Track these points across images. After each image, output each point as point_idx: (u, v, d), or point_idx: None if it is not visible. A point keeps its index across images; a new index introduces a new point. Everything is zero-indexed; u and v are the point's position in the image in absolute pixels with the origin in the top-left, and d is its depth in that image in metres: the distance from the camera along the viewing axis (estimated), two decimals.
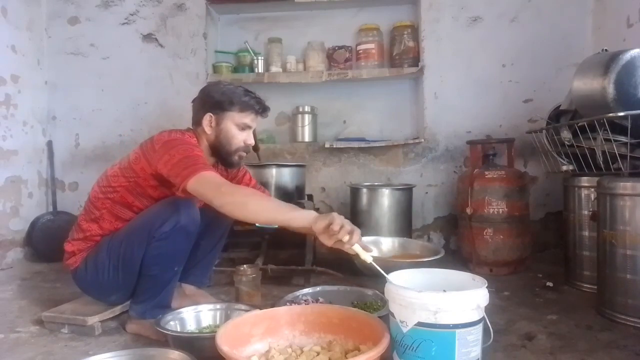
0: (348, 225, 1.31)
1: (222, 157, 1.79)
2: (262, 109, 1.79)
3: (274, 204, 1.51)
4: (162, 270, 1.65)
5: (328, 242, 1.33)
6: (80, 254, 1.73)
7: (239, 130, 1.76)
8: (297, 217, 1.42)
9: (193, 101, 1.83)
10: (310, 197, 2.78)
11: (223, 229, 1.97)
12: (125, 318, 1.75)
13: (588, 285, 2.13)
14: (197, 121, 1.78)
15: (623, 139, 1.88)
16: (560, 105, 2.37)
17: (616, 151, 1.89)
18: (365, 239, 1.87)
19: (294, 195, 2.48)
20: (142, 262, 1.63)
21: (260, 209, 1.46)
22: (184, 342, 1.44)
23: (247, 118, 1.76)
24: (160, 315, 1.61)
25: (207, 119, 1.74)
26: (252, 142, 1.80)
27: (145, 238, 1.60)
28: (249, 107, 1.75)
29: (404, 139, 3.09)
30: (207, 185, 1.49)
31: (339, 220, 1.31)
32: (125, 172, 1.69)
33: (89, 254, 1.71)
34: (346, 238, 1.30)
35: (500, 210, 2.49)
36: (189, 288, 1.93)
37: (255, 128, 1.83)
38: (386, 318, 1.30)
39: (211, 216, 1.76)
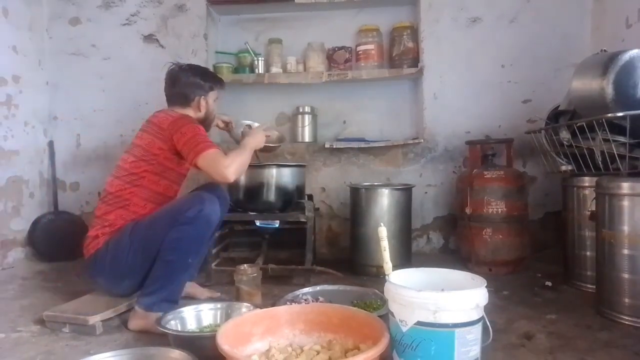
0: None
1: (206, 130, 2.02)
2: (224, 84, 2.21)
3: (242, 154, 1.94)
4: (178, 257, 1.72)
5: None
6: (104, 237, 1.81)
7: (215, 104, 2.13)
8: (248, 148, 2.01)
9: (174, 87, 2.04)
10: (310, 197, 2.79)
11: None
12: (127, 317, 1.76)
13: (587, 285, 2.14)
14: (184, 104, 2.04)
15: (622, 139, 1.89)
16: (559, 106, 2.37)
17: (615, 151, 1.89)
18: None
19: (294, 195, 2.49)
20: (161, 246, 1.71)
21: (244, 161, 1.94)
22: (185, 341, 1.44)
23: (218, 93, 2.14)
24: (168, 310, 1.64)
25: (201, 101, 2.05)
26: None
27: (170, 222, 1.72)
28: (220, 84, 2.15)
29: (403, 139, 3.10)
30: (212, 163, 1.80)
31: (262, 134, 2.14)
32: (144, 157, 1.87)
33: (112, 237, 1.81)
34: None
35: (499, 210, 2.49)
36: None
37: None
38: (386, 317, 1.31)
39: None
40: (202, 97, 2.04)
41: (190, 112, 2.03)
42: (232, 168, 1.82)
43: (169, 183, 1.93)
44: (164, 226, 1.73)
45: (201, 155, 1.78)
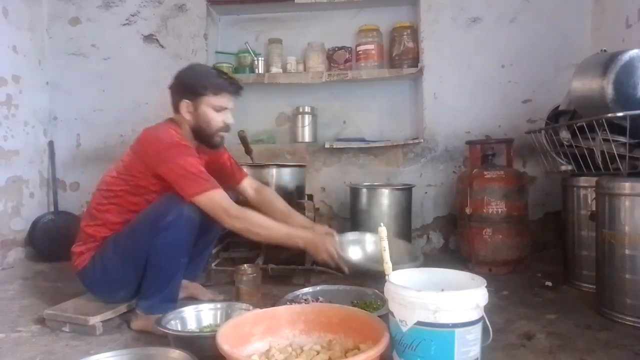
0: (334, 252, 1.72)
1: (204, 140, 1.85)
2: (235, 90, 1.85)
3: (274, 230, 1.74)
4: (168, 260, 1.69)
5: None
6: (88, 253, 1.78)
7: (216, 112, 1.80)
8: (294, 239, 1.73)
9: (170, 87, 1.85)
10: (310, 197, 2.79)
11: (218, 229, 1.99)
12: (129, 316, 1.76)
13: (587, 285, 2.14)
14: (175, 108, 1.83)
15: (622, 139, 1.89)
16: (559, 106, 2.38)
17: (615, 151, 1.89)
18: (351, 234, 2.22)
19: (294, 195, 2.49)
20: (148, 254, 1.67)
21: (266, 234, 1.73)
22: (185, 341, 1.44)
23: (223, 100, 1.81)
24: (168, 310, 1.64)
25: (184, 106, 1.79)
26: (231, 121, 1.85)
27: (150, 229, 1.65)
28: (222, 89, 1.80)
29: (403, 139, 3.10)
30: (218, 207, 1.67)
31: (326, 255, 1.71)
32: (123, 176, 1.76)
33: (96, 252, 1.76)
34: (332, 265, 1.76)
35: (499, 210, 2.49)
36: (184, 281, 1.96)
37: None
38: (386, 317, 1.31)
39: (208, 216, 1.79)
40: (187, 101, 1.78)
41: (181, 119, 1.81)
42: (238, 225, 1.68)
43: (141, 200, 1.77)
44: (145, 234, 1.66)
45: (205, 195, 1.64)
